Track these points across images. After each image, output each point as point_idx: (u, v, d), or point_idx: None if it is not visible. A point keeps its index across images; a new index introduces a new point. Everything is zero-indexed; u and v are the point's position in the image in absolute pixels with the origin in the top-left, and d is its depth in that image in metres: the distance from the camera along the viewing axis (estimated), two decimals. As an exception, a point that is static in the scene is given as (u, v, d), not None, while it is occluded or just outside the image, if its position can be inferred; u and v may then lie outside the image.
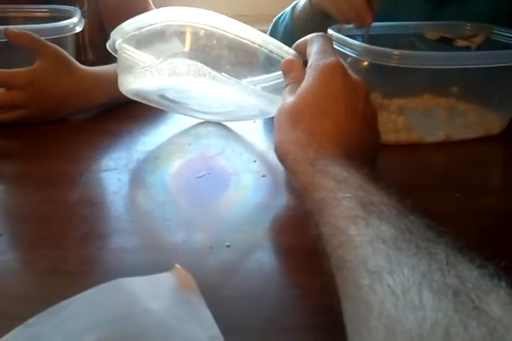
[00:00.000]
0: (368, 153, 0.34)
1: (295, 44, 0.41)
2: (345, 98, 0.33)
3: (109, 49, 0.45)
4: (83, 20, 0.59)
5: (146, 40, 0.40)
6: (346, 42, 0.49)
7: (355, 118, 0.33)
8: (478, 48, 0.59)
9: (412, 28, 0.61)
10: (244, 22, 0.38)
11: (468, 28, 0.62)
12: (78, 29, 0.58)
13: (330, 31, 0.53)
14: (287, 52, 0.40)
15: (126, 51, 0.41)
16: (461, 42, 0.60)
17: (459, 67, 0.46)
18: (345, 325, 0.21)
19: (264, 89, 0.41)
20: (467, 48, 0.60)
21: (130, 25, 0.40)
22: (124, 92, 0.44)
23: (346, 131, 0.33)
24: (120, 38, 0.42)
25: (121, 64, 0.43)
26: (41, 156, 0.47)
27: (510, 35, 0.55)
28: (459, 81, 0.51)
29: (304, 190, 0.30)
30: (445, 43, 0.61)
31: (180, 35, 0.38)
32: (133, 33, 0.40)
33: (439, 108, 0.52)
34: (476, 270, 0.18)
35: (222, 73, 0.38)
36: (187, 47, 0.38)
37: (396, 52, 0.44)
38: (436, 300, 0.17)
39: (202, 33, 0.37)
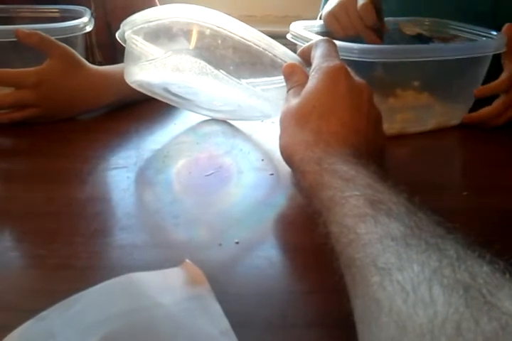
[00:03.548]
0: (375, 154, 0.34)
1: (300, 49, 0.41)
2: (350, 99, 0.33)
3: (118, 38, 0.46)
4: (93, 21, 0.60)
5: (153, 34, 0.40)
6: (307, 38, 0.50)
7: (361, 118, 0.33)
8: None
9: (390, 24, 0.63)
10: (252, 23, 0.38)
11: (427, 23, 0.64)
12: (88, 29, 0.58)
13: (292, 26, 0.55)
14: (291, 57, 0.40)
15: (134, 42, 0.42)
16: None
17: (419, 60, 0.47)
18: (356, 323, 0.21)
19: (264, 91, 0.41)
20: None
21: (140, 18, 0.40)
22: (129, 82, 0.45)
23: (353, 130, 0.33)
24: (129, 29, 0.42)
25: (128, 54, 0.43)
26: (51, 155, 0.47)
27: (467, 30, 0.57)
28: (420, 74, 0.53)
29: (311, 189, 0.30)
30: (421, 41, 0.63)
31: (187, 32, 0.38)
32: (142, 26, 0.40)
33: (399, 100, 0.52)
34: (486, 265, 0.18)
35: (225, 73, 0.38)
36: (192, 45, 0.38)
37: (356, 46, 0.45)
38: (446, 296, 0.17)
39: (208, 32, 0.38)
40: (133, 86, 0.46)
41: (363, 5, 0.57)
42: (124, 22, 0.43)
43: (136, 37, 0.42)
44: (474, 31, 0.56)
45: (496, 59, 0.53)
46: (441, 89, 0.54)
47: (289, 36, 0.55)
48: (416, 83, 0.53)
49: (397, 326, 0.17)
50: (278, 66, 0.39)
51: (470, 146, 0.53)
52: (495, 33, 0.53)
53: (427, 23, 0.65)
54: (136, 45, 0.42)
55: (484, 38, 0.54)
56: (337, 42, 0.44)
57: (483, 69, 0.54)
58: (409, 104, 0.52)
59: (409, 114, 0.53)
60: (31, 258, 0.31)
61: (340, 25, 0.59)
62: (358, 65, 0.40)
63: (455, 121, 0.56)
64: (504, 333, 0.15)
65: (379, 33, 0.59)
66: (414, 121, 0.53)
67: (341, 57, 0.37)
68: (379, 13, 0.58)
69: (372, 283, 0.20)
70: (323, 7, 0.76)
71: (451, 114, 0.56)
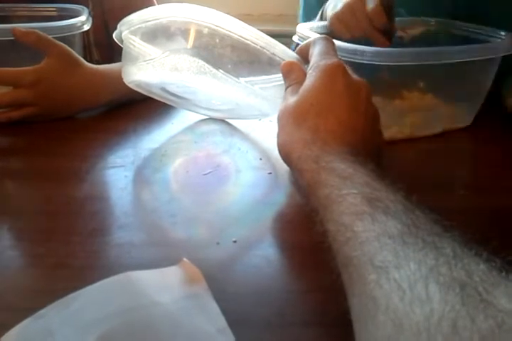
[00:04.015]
0: (372, 152, 0.34)
1: (298, 47, 0.41)
2: (348, 97, 0.33)
3: (115, 39, 0.46)
4: (90, 19, 0.60)
5: (151, 34, 0.40)
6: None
7: (358, 117, 0.33)
8: (414, 40, 0.63)
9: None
10: (250, 21, 0.38)
11: (433, 23, 0.64)
12: (86, 27, 0.58)
13: (298, 28, 0.55)
14: (290, 55, 0.40)
15: (131, 42, 0.42)
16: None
17: (425, 63, 0.47)
18: (352, 321, 0.21)
19: (262, 90, 0.41)
20: (400, 38, 0.62)
21: (137, 18, 0.40)
22: (126, 82, 0.45)
23: (350, 129, 0.33)
24: (126, 29, 0.42)
25: (126, 54, 0.43)
26: (49, 153, 0.47)
27: (474, 30, 0.57)
28: (426, 77, 0.52)
29: (309, 187, 0.30)
30: None
31: (185, 31, 0.38)
32: (139, 26, 0.40)
33: (405, 102, 0.52)
34: (483, 263, 0.18)
35: (223, 72, 0.38)
36: (190, 44, 0.38)
37: (367, 49, 0.45)
38: (443, 294, 0.17)
39: (206, 31, 0.38)
40: (131, 86, 0.46)
41: (374, 8, 0.55)
42: (121, 22, 0.43)
43: (133, 37, 0.42)
44: (482, 31, 0.56)
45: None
46: (448, 92, 0.53)
47: (295, 38, 0.55)
48: (423, 85, 0.52)
49: (394, 324, 0.17)
50: (276, 64, 0.39)
51: (469, 146, 0.53)
52: (503, 33, 0.53)
53: (432, 23, 0.65)
54: (134, 46, 0.42)
55: (492, 38, 0.54)
56: (346, 44, 0.45)
57: (492, 72, 0.54)
58: (416, 106, 0.52)
59: (417, 117, 0.52)
60: (29, 257, 0.31)
61: (346, 28, 0.58)
62: (363, 67, 0.40)
63: (462, 124, 0.56)
64: (500, 331, 0.15)
65: (387, 34, 0.58)
66: (422, 125, 0.53)
67: (349, 60, 0.37)
68: (389, 14, 0.57)
69: (369, 281, 0.20)
70: (304, 5, 0.76)
71: (459, 116, 0.55)
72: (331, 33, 0.59)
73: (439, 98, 0.53)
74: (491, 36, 0.54)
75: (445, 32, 0.63)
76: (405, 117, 0.52)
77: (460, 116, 0.55)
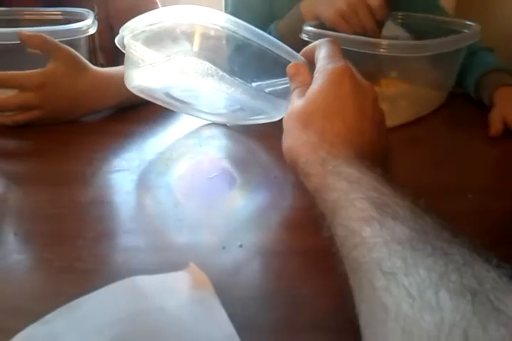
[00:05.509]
0: (380, 155, 0.34)
1: (303, 50, 0.41)
2: (355, 101, 0.33)
3: (117, 44, 0.45)
4: (96, 23, 0.60)
5: (155, 37, 0.40)
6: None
7: (365, 120, 0.33)
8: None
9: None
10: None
11: (400, 16, 0.70)
12: (92, 31, 0.58)
13: (305, 27, 0.57)
14: (296, 57, 0.40)
15: (134, 47, 0.42)
16: None
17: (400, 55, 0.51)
18: (361, 328, 0.21)
19: (269, 93, 0.41)
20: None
21: (140, 22, 0.40)
22: (129, 88, 0.44)
23: (357, 132, 0.33)
24: (129, 33, 0.42)
25: (128, 59, 0.43)
26: (54, 157, 0.47)
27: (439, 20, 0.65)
28: (401, 65, 0.56)
29: (316, 191, 0.30)
30: None
31: (191, 33, 0.38)
32: (143, 29, 0.40)
33: (381, 91, 0.55)
34: (493, 270, 0.18)
35: (230, 74, 0.38)
36: (196, 47, 0.38)
37: (333, 34, 0.48)
38: (453, 301, 0.17)
39: (212, 33, 0.37)
40: (133, 91, 0.45)
41: (379, 2, 0.58)
42: (123, 27, 0.42)
43: (135, 42, 0.41)
44: (450, 23, 0.62)
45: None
46: (423, 79, 0.58)
47: (304, 37, 0.55)
48: (397, 73, 0.56)
49: (404, 331, 0.17)
50: (282, 66, 0.39)
51: (474, 149, 0.52)
52: (468, 23, 0.59)
53: (400, 16, 0.70)
54: (137, 51, 0.41)
55: (459, 28, 0.60)
56: (319, 30, 0.48)
57: (461, 58, 0.60)
58: (392, 93, 0.56)
59: (396, 103, 0.56)
60: (35, 261, 0.31)
61: (349, 25, 0.59)
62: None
63: (437, 104, 0.62)
64: None
65: (380, 25, 0.61)
66: (402, 110, 0.57)
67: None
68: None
69: (378, 288, 0.20)
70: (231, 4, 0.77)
71: (434, 99, 0.61)
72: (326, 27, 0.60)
73: (413, 85, 0.58)
74: (458, 26, 0.60)
75: (415, 24, 0.69)
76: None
77: (435, 99, 0.61)
